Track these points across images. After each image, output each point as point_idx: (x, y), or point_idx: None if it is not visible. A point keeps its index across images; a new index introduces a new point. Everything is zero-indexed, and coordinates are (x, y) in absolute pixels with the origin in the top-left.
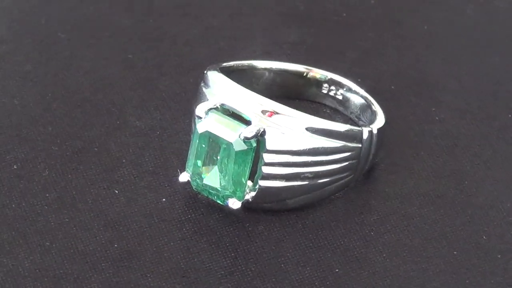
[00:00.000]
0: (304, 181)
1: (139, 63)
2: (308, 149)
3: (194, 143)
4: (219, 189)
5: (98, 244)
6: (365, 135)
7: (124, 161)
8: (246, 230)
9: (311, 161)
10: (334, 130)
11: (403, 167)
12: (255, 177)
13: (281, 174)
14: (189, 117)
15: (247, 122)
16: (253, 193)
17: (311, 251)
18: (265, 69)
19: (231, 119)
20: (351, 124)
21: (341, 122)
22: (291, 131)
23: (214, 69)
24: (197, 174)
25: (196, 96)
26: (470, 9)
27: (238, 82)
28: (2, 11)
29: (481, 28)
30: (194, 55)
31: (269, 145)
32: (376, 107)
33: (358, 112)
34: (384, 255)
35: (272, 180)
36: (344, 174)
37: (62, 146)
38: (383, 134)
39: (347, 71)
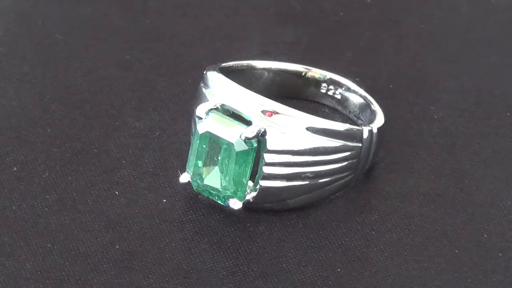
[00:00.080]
0: (305, 181)
1: (137, 64)
2: (309, 148)
3: (195, 144)
4: (220, 189)
5: (100, 245)
6: (365, 134)
7: (124, 162)
8: (247, 231)
9: (312, 160)
10: (335, 130)
11: (403, 166)
12: (256, 177)
13: (282, 174)
14: (188, 118)
15: (248, 122)
16: (254, 193)
17: (313, 250)
18: (264, 69)
19: (231, 119)
20: (350, 124)
21: (340, 122)
22: (291, 131)
23: (214, 70)
24: (198, 175)
25: (196, 96)
26: (465, 7)
27: (237, 82)
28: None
29: (477, 26)
30: (192, 56)
31: (270, 145)
32: (376, 106)
33: (357, 111)
34: (386, 254)
35: (273, 180)
36: (345, 174)
37: (62, 148)
38: (383, 133)
39: (345, 70)
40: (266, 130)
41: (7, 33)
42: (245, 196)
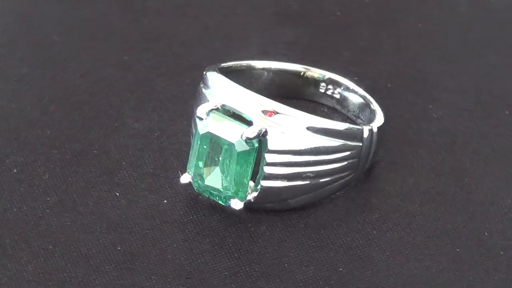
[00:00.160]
0: (306, 181)
1: (135, 64)
2: (310, 148)
3: (196, 144)
4: (221, 190)
5: (101, 247)
6: (366, 134)
7: (123, 163)
8: (248, 231)
9: (313, 160)
10: (335, 129)
11: (403, 165)
12: (257, 177)
13: (283, 174)
14: (187, 118)
15: (248, 123)
16: (255, 194)
17: (314, 250)
18: (264, 69)
19: (232, 119)
20: (349, 123)
21: (340, 121)
22: (292, 131)
23: (213, 70)
24: (199, 175)
25: (195, 97)
26: (464, 7)
27: (236, 83)
28: None
29: (476, 26)
30: (191, 56)
31: (270, 145)
32: (375, 105)
33: (357, 111)
34: (387, 253)
35: (274, 180)
36: (345, 173)
37: (61, 149)
38: (383, 132)
39: (344, 70)
40: (267, 130)
41: (5, 34)
42: (246, 196)
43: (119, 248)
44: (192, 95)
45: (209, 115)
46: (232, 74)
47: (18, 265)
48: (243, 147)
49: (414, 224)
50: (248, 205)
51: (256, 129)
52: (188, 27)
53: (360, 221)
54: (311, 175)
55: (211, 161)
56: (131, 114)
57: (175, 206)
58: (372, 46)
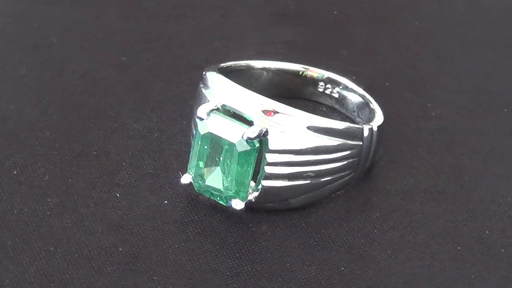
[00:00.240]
0: (307, 180)
1: (133, 65)
2: (310, 148)
3: (196, 145)
4: (222, 190)
5: (103, 248)
6: (366, 133)
7: (123, 164)
8: (249, 231)
9: (313, 160)
10: (335, 128)
11: (402, 163)
12: (258, 177)
13: (284, 174)
14: (187, 119)
15: (249, 123)
16: (256, 193)
17: (316, 250)
18: (263, 68)
19: (233, 119)
20: (349, 122)
21: (340, 120)
22: (293, 131)
23: (213, 70)
24: (199, 176)
25: (195, 97)
26: (461, 5)
27: (236, 82)
28: None
29: (473, 24)
30: (188, 56)
31: (271, 145)
32: (374, 105)
33: (356, 110)
34: (389, 252)
35: (275, 180)
36: (346, 172)
37: (61, 151)
38: (382, 131)
39: (342, 69)
40: (268, 130)
41: (3, 35)
42: (247, 196)
43: (120, 249)
44: (191, 95)
45: (209, 115)
46: (231, 74)
47: (20, 267)
48: (244, 147)
49: (415, 222)
50: (249, 205)
51: (257, 129)
52: (186, 27)
53: (361, 220)
54: (312, 174)
55: (211, 161)
56: (130, 115)
57: (175, 206)
58: (370, 45)
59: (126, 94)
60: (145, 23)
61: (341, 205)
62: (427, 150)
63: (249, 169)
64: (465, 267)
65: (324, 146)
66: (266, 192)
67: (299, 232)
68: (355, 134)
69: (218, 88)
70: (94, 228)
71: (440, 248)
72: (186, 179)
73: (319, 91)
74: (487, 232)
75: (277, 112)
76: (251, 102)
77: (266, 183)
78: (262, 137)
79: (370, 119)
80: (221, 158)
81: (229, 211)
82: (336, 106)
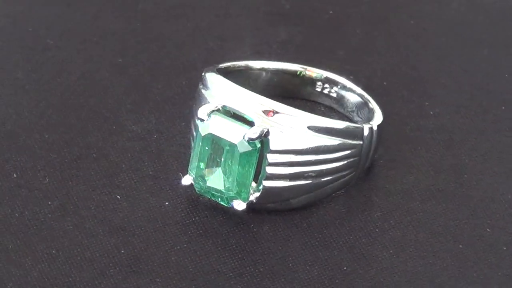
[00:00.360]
0: (308, 180)
1: (130, 67)
2: (311, 147)
3: (197, 146)
4: (223, 191)
5: (105, 250)
6: (366, 132)
7: (123, 166)
8: (251, 231)
9: (314, 159)
10: (336, 128)
11: (402, 162)
12: (259, 177)
13: (285, 174)
14: (185, 120)
15: (250, 123)
16: (257, 194)
17: (318, 249)
18: (262, 69)
19: (233, 120)
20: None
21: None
22: (293, 131)
23: (212, 71)
24: (200, 177)
25: (195, 98)
26: (456, 3)
27: (235, 83)
28: None
29: (468, 22)
30: (185, 57)
31: (272, 145)
32: (373, 104)
33: (354, 109)
34: (391, 251)
35: (276, 180)
36: (346, 172)
37: (61, 153)
38: (382, 130)
39: (339, 69)
40: (269, 130)
41: None
42: (248, 197)
43: (122, 251)
44: (189, 96)
45: (210, 116)
46: (230, 74)
47: (23, 270)
48: (246, 147)
49: (416, 221)
50: (250, 206)
51: (258, 129)
52: (182, 28)
53: (362, 220)
54: (313, 174)
55: (212, 162)
56: (129, 117)
57: (176, 208)
58: (367, 45)
59: (124, 95)
60: (142, 24)
61: (342, 204)
62: (427, 149)
63: (250, 169)
64: (467, 266)
65: (325, 145)
66: (268, 193)
67: (301, 232)
68: (355, 134)
69: (217, 89)
70: (96, 231)
71: (442, 247)
72: (187, 180)
73: (317, 91)
74: (488, 230)
75: (277, 112)
76: (251, 102)
77: (268, 183)
78: (263, 137)
79: (369, 119)
80: (222, 159)
81: (230, 212)
82: (335, 106)
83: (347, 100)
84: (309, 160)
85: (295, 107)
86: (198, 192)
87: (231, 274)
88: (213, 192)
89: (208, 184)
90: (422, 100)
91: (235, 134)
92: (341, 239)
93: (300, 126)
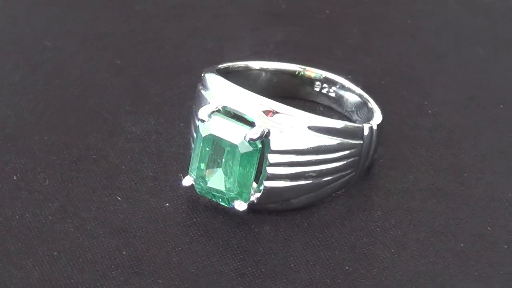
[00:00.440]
0: (308, 180)
1: (128, 68)
2: (312, 147)
3: (198, 147)
4: (224, 191)
5: (106, 252)
6: (366, 132)
7: (123, 167)
8: (252, 232)
9: (315, 159)
10: (336, 128)
11: (401, 162)
12: (260, 178)
13: (286, 174)
14: (184, 121)
15: (250, 124)
16: (258, 194)
17: (319, 249)
18: (261, 69)
19: (234, 121)
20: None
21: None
22: (294, 131)
23: (211, 71)
24: (201, 177)
25: (194, 98)
26: (452, 2)
27: (234, 83)
28: None
29: (464, 21)
30: (183, 58)
31: (273, 146)
32: (373, 104)
33: (353, 109)
34: (392, 250)
35: (277, 180)
36: (347, 172)
37: (60, 155)
38: (382, 130)
39: (336, 68)
40: (270, 130)
41: None
42: (249, 198)
43: (124, 252)
44: (187, 97)
45: (211, 117)
46: (229, 75)
47: (24, 273)
48: (246, 148)
49: (417, 220)
50: (250, 206)
51: (259, 130)
52: (179, 29)
53: (363, 219)
54: (313, 174)
55: (213, 163)
56: (128, 118)
57: (177, 209)
58: (364, 44)
59: (122, 96)
60: (140, 25)
61: (342, 204)
62: (426, 148)
63: (251, 170)
64: (469, 264)
65: (325, 145)
66: (268, 193)
67: (302, 232)
68: (355, 133)
69: (217, 90)
70: (97, 232)
71: (443, 246)
72: (187, 181)
73: (315, 90)
74: (489, 228)
75: (277, 112)
76: (251, 103)
77: (268, 183)
78: (264, 138)
79: (368, 118)
80: (223, 160)
81: (230, 213)
82: (333, 106)
83: (346, 99)
84: (310, 160)
85: (294, 107)
86: (198, 193)
87: (233, 275)
88: (214, 193)
89: (209, 184)
90: (421, 99)
91: (236, 135)
92: (342, 239)
93: (301, 126)
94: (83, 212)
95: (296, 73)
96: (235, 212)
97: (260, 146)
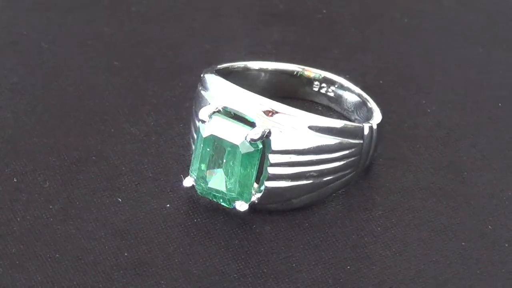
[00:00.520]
0: (309, 180)
1: (125, 69)
2: (313, 147)
3: (199, 147)
4: (225, 192)
5: (108, 253)
6: (366, 131)
7: (123, 168)
8: (253, 232)
9: (316, 159)
10: (336, 127)
11: (401, 160)
12: (261, 178)
13: (287, 174)
14: (183, 121)
15: (251, 124)
16: (259, 195)
17: (321, 249)
18: (260, 69)
19: (235, 121)
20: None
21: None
22: (295, 131)
23: (211, 72)
24: (202, 178)
25: (194, 99)
26: (447, 0)
27: (234, 84)
28: None
29: (460, 19)
30: (180, 59)
31: (274, 146)
32: (372, 103)
33: (353, 109)
34: (393, 249)
35: (278, 180)
36: (347, 171)
37: (60, 157)
38: (382, 129)
39: (334, 67)
40: (271, 130)
41: None
42: (251, 198)
43: (126, 254)
44: (185, 97)
45: (211, 117)
46: (228, 75)
47: (26, 275)
48: (248, 148)
49: (418, 219)
50: (251, 206)
51: (260, 130)
52: (176, 30)
53: (364, 219)
54: (314, 174)
55: (214, 164)
56: (127, 119)
57: (178, 210)
58: (361, 43)
59: (121, 98)
60: (135, 27)
61: (343, 204)
62: (425, 147)
63: (252, 170)
64: (470, 263)
65: (326, 145)
66: (269, 193)
67: (303, 232)
68: (356, 133)
69: (217, 90)
70: (98, 234)
71: (444, 244)
72: (188, 182)
73: (314, 90)
74: (489, 227)
75: (277, 112)
76: (251, 103)
77: (269, 184)
78: (265, 138)
79: (368, 118)
80: (224, 160)
81: (231, 213)
82: (332, 105)
83: (345, 99)
84: (311, 160)
85: (293, 107)
86: (199, 194)
87: (235, 275)
88: (215, 194)
89: (210, 185)
90: (419, 98)
91: (237, 135)
92: (343, 239)
93: (301, 126)
94: (84, 214)
95: (295, 73)
96: (236, 213)
97: (261, 146)
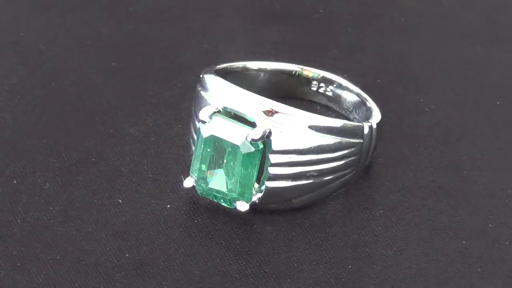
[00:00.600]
0: (309, 180)
1: (124, 70)
2: (313, 147)
3: (199, 148)
4: (226, 192)
5: (109, 254)
6: (366, 130)
7: (123, 169)
8: (254, 232)
9: (316, 159)
10: (336, 127)
11: (400, 160)
12: (261, 178)
13: (287, 174)
14: (182, 122)
15: (251, 124)
16: (259, 195)
17: (322, 249)
18: (259, 69)
19: (235, 121)
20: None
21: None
22: (295, 131)
23: (210, 72)
24: (202, 179)
25: (194, 99)
26: (446, 0)
27: (233, 84)
28: None
29: (458, 18)
30: (179, 59)
31: (274, 146)
32: (371, 103)
33: (352, 108)
34: (394, 248)
35: (279, 180)
36: (347, 171)
37: (60, 158)
38: (381, 128)
39: (332, 67)
40: (271, 130)
41: None
42: (251, 198)
43: (127, 255)
44: (184, 97)
45: (211, 118)
46: (228, 75)
47: (28, 277)
48: (248, 149)
49: (418, 218)
50: (252, 206)
51: (260, 130)
52: (175, 30)
53: (364, 218)
54: (314, 174)
55: (214, 164)
56: (126, 120)
57: (178, 210)
58: (359, 43)
59: (119, 99)
60: (133, 27)
61: (343, 203)
62: (424, 146)
63: (253, 170)
64: (471, 261)
65: (326, 145)
66: (270, 193)
67: (304, 232)
68: (356, 132)
69: (217, 90)
70: (99, 235)
71: (445, 243)
72: (188, 182)
73: (312, 90)
74: (490, 225)
75: (277, 112)
76: (251, 103)
77: (270, 184)
78: (266, 138)
79: (367, 117)
80: (225, 161)
81: (232, 213)
82: (330, 104)
83: (344, 99)
84: (311, 160)
85: (292, 106)
86: (200, 194)
87: (236, 276)
88: (215, 194)
89: (210, 185)
90: (417, 97)
91: (237, 135)
92: (344, 238)
93: (301, 125)
94: (85, 215)
95: (294, 72)
96: (237, 213)
97: (261, 146)
